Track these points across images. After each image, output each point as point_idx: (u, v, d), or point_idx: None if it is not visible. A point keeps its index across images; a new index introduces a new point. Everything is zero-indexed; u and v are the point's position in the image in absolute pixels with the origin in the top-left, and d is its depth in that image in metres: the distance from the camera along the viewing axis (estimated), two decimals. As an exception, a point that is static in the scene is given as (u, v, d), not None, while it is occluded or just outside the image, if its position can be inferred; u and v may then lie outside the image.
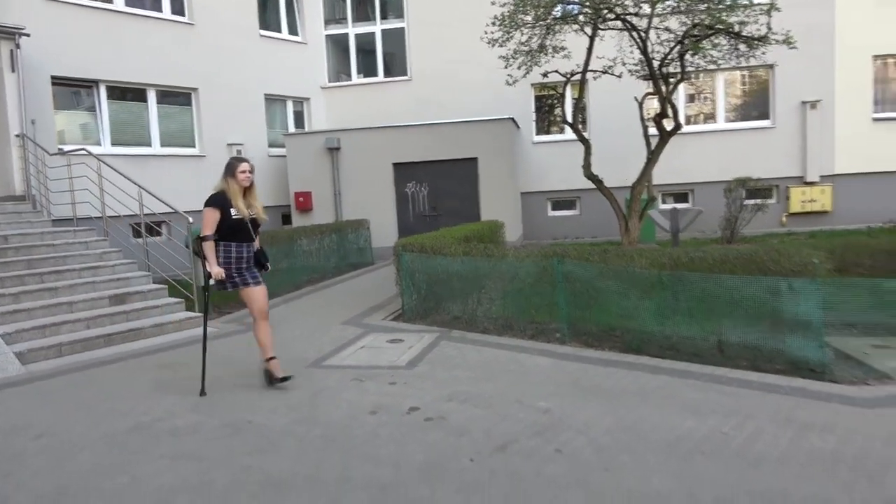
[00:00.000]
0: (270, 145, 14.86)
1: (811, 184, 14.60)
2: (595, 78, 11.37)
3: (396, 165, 14.07)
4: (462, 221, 12.05)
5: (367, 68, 16.62)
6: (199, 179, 13.13)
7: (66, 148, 10.81)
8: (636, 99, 11.13)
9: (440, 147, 13.89)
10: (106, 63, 11.87)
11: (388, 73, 16.50)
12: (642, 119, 11.14)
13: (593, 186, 10.99)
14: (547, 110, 16.26)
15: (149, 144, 12.69)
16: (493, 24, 10.47)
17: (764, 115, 15.08)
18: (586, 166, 11.08)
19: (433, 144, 13.96)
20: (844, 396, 4.28)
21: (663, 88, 10.44)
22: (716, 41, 10.17)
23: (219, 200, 4.98)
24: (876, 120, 14.44)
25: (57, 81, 11.31)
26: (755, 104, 15.28)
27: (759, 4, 9.63)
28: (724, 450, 3.54)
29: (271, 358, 5.09)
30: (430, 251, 7.26)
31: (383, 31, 16.37)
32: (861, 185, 14.45)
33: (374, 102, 15.98)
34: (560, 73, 11.21)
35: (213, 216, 4.94)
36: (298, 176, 14.18)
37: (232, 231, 4.97)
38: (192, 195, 12.29)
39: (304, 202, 14.01)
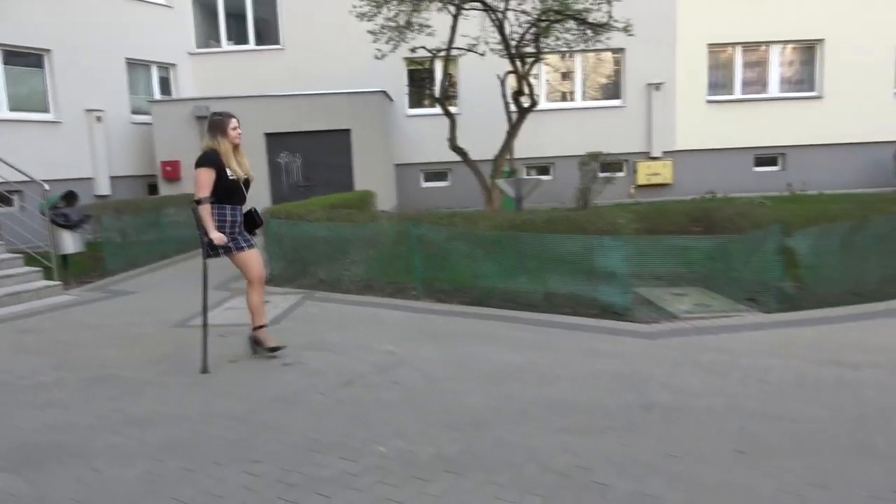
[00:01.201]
0: (134, 112, 14.33)
1: (655, 159, 16.22)
2: (460, 56, 12.05)
3: (269, 135, 14.08)
4: (336, 192, 12.37)
5: (238, 35, 16.30)
6: (54, 147, 12.52)
7: None
8: (498, 77, 11.92)
9: (313, 118, 14.06)
10: (-58, 18, 10.99)
11: (259, 40, 16.29)
12: (504, 96, 11.96)
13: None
14: (420, 84, 16.77)
15: (-5, 108, 11.91)
16: (361, -2, 10.82)
17: (616, 96, 16.47)
18: (451, 139, 11.80)
19: (306, 115, 14.09)
20: (636, 332, 5.22)
21: (520, 67, 11.29)
22: (567, 25, 11.13)
23: (213, 160, 4.60)
24: (709, 102, 16.22)
25: None
26: (609, 85, 16.65)
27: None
28: (531, 375, 4.30)
29: (262, 326, 4.91)
30: (296, 217, 7.63)
31: (254, -3, 16.10)
32: (697, 160, 16.23)
33: (245, 70, 15.76)
34: (427, 50, 11.76)
35: (208, 177, 4.55)
36: (166, 145, 13.81)
37: (227, 193, 4.64)
38: (48, 163, 11.81)
39: (173, 171, 13.72)
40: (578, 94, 16.62)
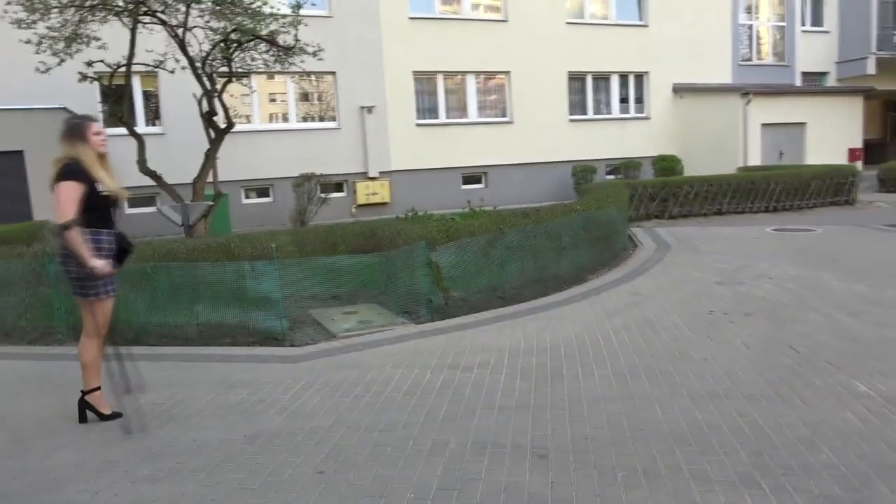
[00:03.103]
0: None
1: (373, 179, 16.81)
2: (148, 73, 11.25)
3: (-89, 159, 11.68)
4: (8, 223, 10.65)
5: None
6: None
7: None
8: (194, 96, 11.31)
9: (-27, 138, 11.99)
10: None
11: None
12: (202, 116, 11.38)
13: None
14: (115, 101, 15.29)
15: None
16: (13, 3, 9.52)
17: (332, 118, 16.75)
18: (141, 161, 10.96)
19: (-36, 135, 11.97)
20: (285, 357, 5.17)
21: (209, 87, 10.84)
22: (259, 47, 10.98)
23: (79, 172, 3.65)
24: (418, 125, 17.31)
25: None
26: (324, 107, 16.89)
27: (290, 16, 10.62)
28: (154, 416, 3.99)
29: (97, 388, 3.95)
30: None
31: None
32: (411, 179, 17.15)
33: None
34: (106, 64, 10.76)
35: (74, 193, 3.59)
36: None
37: (100, 214, 3.75)
38: None
39: None
40: (293, 116, 16.57)
